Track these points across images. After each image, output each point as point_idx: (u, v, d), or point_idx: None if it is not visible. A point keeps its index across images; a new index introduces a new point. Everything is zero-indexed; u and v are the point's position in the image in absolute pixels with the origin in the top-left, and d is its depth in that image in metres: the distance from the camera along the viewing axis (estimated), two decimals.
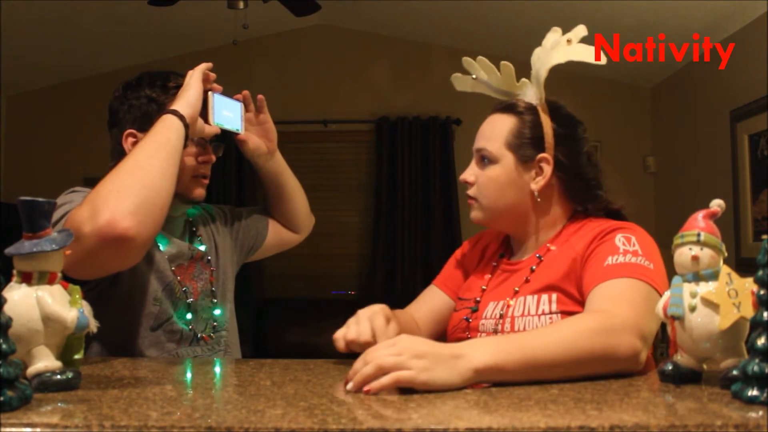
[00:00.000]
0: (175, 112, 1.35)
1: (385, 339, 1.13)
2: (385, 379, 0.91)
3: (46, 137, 5.26)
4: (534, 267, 1.32)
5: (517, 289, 1.31)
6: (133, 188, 1.22)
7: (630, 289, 1.13)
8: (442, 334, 1.46)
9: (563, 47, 1.31)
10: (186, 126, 1.35)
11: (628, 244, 1.21)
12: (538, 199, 1.34)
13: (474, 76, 1.42)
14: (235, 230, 1.71)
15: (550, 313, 1.24)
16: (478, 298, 1.38)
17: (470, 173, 1.39)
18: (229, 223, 1.71)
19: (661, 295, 0.99)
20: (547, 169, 1.33)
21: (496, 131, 1.36)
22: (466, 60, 1.41)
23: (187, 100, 1.38)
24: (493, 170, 1.35)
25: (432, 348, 0.95)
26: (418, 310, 1.49)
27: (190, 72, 1.43)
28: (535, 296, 1.27)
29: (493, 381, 0.97)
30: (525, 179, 1.34)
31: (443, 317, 1.47)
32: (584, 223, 1.33)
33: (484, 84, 1.42)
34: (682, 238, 0.91)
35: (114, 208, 1.18)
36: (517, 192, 1.34)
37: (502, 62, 1.38)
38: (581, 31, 1.32)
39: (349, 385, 0.94)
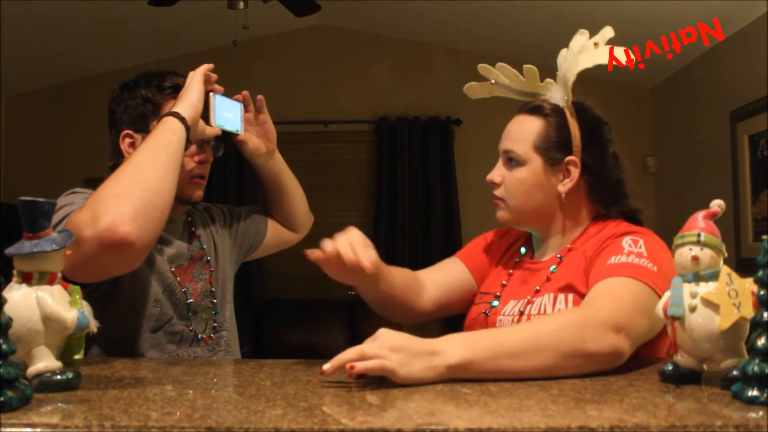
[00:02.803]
0: (177, 114, 1.34)
1: (364, 250, 1.17)
2: (371, 363, 0.94)
3: (46, 137, 5.26)
4: (554, 267, 1.33)
5: (538, 288, 1.32)
6: (134, 192, 1.21)
7: (622, 287, 1.13)
8: (450, 304, 1.48)
9: (590, 51, 1.30)
10: (187, 128, 1.34)
11: (634, 246, 1.21)
12: (565, 201, 1.34)
13: (492, 81, 1.39)
14: (234, 230, 1.71)
15: None
16: (499, 293, 1.39)
17: (497, 174, 1.38)
18: (228, 223, 1.70)
19: (660, 298, 0.99)
20: (575, 172, 1.33)
21: (523, 133, 1.35)
22: (483, 67, 1.39)
23: (188, 101, 1.37)
24: (521, 172, 1.34)
25: (409, 342, 0.97)
26: (431, 274, 1.50)
27: (192, 73, 1.42)
28: (552, 295, 1.28)
29: (468, 377, 0.98)
30: (552, 182, 1.34)
31: (455, 288, 1.48)
32: (605, 226, 1.34)
33: (505, 87, 1.40)
34: (682, 238, 0.91)
35: (114, 212, 1.17)
36: (545, 194, 1.34)
37: (525, 66, 1.36)
38: (608, 33, 1.30)
39: (327, 366, 0.95)
